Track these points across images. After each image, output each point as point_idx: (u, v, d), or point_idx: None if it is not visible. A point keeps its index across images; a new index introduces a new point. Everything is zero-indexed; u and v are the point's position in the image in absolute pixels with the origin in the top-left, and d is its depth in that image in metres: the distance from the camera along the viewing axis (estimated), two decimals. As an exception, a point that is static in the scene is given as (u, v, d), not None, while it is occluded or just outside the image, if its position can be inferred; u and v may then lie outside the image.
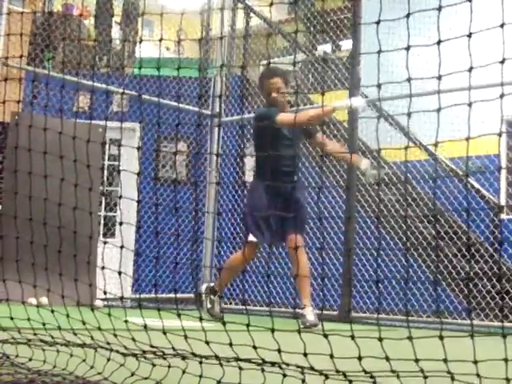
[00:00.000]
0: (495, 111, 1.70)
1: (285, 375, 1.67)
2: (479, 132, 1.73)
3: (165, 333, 1.92)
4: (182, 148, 8.69)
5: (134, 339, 2.00)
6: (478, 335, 1.51)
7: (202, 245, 7.90)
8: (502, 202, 6.92)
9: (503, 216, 6.94)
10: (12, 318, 2.40)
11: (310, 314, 4.94)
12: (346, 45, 8.45)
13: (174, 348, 1.91)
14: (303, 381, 1.62)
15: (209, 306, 5.48)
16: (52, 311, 2.30)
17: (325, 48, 9.06)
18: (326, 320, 5.26)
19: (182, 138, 8.58)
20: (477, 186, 6.85)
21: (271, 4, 2.01)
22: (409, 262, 6.62)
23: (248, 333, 1.77)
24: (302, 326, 4.82)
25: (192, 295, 7.71)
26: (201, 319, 1.96)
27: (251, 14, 8.51)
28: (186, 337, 1.90)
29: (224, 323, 1.84)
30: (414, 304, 6.21)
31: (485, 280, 6.14)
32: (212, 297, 5.48)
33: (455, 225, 6.81)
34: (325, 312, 6.25)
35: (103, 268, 2.25)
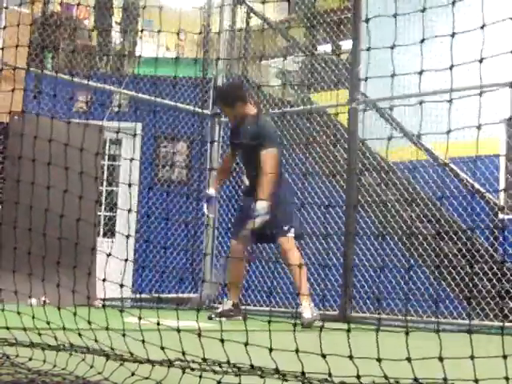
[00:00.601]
0: (496, 112, 1.69)
1: (285, 380, 1.67)
2: (480, 133, 1.73)
3: (162, 348, 1.91)
4: (182, 148, 8.69)
5: (131, 353, 1.99)
6: (478, 357, 1.48)
7: (201, 245, 7.89)
8: (502, 201, 6.92)
9: (503, 216, 6.93)
10: (7, 325, 2.39)
11: (307, 312, 4.98)
12: (346, 45, 8.45)
13: (170, 361, 1.90)
14: (303, 383, 1.62)
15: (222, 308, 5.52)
16: (47, 319, 2.29)
17: (325, 48, 9.06)
18: (325, 320, 5.25)
19: (181, 138, 8.57)
20: (477, 186, 6.85)
21: (264, 2, 2.00)
22: (409, 262, 6.62)
23: (246, 350, 1.76)
24: (301, 326, 4.86)
25: (193, 295, 7.71)
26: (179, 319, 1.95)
27: (251, 14, 8.51)
28: (183, 353, 1.89)
29: (222, 341, 1.82)
30: (413, 304, 6.21)
31: (485, 280, 6.14)
32: (226, 301, 5.55)
33: (455, 225, 6.80)
34: (325, 312, 6.25)
35: (104, 279, 2.25)
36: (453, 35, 1.65)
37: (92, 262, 5.69)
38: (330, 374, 1.61)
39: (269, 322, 1.85)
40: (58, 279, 2.38)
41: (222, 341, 1.82)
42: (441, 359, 1.49)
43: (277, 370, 1.69)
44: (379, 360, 1.57)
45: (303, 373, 1.65)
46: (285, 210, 5.32)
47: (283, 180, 5.61)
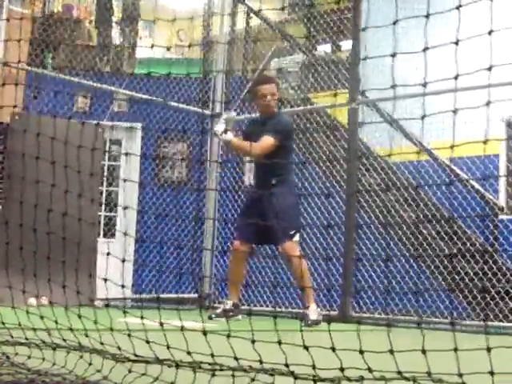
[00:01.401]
0: (496, 112, 1.70)
1: (282, 374, 1.67)
2: (480, 132, 1.73)
3: (168, 347, 1.92)
4: (182, 149, 8.69)
5: (132, 344, 2.00)
6: (493, 347, 1.49)
7: (202, 245, 7.89)
8: (502, 202, 6.92)
9: (503, 216, 6.94)
10: (3, 323, 2.39)
11: (312, 313, 5.13)
12: (346, 45, 8.45)
13: (172, 355, 1.90)
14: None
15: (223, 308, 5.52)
16: (41, 317, 2.29)
17: (325, 48, 9.06)
18: (325, 320, 5.27)
19: (181, 138, 8.58)
20: (477, 186, 6.85)
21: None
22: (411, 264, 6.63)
23: (252, 345, 1.76)
24: (302, 324, 4.90)
25: (193, 295, 7.71)
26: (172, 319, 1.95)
27: (251, 15, 8.51)
28: (189, 353, 1.89)
29: (228, 336, 1.82)
30: (413, 304, 6.21)
31: (485, 280, 6.14)
32: (228, 302, 5.54)
33: (455, 225, 6.80)
34: (324, 312, 6.25)
35: (105, 279, 2.25)
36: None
37: (93, 261, 5.70)
38: (342, 369, 1.62)
39: (274, 316, 1.85)
40: (60, 278, 2.39)
41: (229, 335, 1.83)
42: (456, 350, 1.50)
43: (286, 365, 1.69)
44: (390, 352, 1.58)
45: (314, 366, 1.65)
46: (292, 214, 5.32)
47: (292, 182, 5.61)
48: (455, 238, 6.62)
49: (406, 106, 6.10)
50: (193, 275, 7.84)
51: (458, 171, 6.95)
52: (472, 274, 6.24)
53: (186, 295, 7.74)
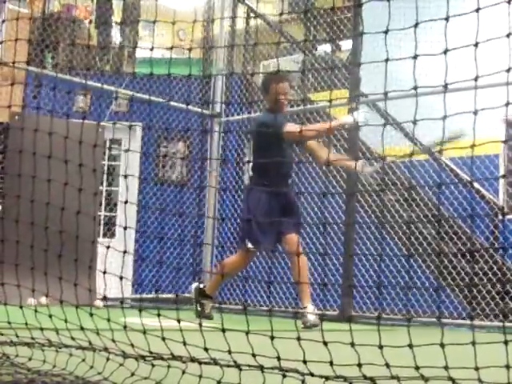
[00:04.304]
0: (496, 112, 1.69)
1: (284, 376, 1.67)
2: (481, 132, 1.73)
3: (163, 339, 1.91)
4: (182, 148, 8.69)
5: (132, 345, 1.99)
6: (480, 342, 1.49)
7: (202, 244, 7.89)
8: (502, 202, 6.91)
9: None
10: (10, 323, 2.38)
11: (310, 313, 4.96)
12: (346, 45, 8.45)
13: (172, 354, 1.90)
14: (303, 382, 1.62)
15: (199, 308, 5.44)
16: (50, 316, 2.29)
17: (325, 48, 9.06)
18: (326, 320, 5.24)
19: (181, 138, 8.57)
20: (477, 186, 6.84)
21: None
22: (409, 263, 6.62)
23: (247, 339, 1.76)
24: (302, 326, 4.84)
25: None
26: (178, 321, 1.94)
27: (251, 14, 8.51)
28: (184, 343, 1.89)
29: (224, 330, 1.82)
30: (413, 304, 6.21)
31: (485, 280, 6.13)
32: (202, 300, 5.46)
33: (455, 225, 6.80)
34: (325, 312, 6.24)
35: (104, 272, 2.25)
36: (447, 18, 1.63)
37: (92, 261, 5.69)
38: (331, 363, 1.62)
39: (269, 311, 1.84)
40: (59, 278, 2.38)
41: (224, 330, 1.83)
42: (442, 345, 1.51)
43: (278, 358, 1.69)
44: (381, 347, 1.58)
45: (305, 361, 1.65)
46: (299, 211, 5.38)
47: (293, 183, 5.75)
48: (455, 238, 6.61)
49: (403, 105, 6.08)
50: (193, 275, 7.83)
51: (459, 171, 6.94)
52: (481, 274, 6.22)
53: (186, 295, 7.73)
